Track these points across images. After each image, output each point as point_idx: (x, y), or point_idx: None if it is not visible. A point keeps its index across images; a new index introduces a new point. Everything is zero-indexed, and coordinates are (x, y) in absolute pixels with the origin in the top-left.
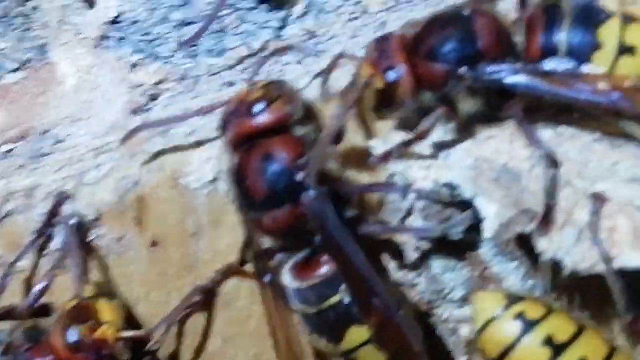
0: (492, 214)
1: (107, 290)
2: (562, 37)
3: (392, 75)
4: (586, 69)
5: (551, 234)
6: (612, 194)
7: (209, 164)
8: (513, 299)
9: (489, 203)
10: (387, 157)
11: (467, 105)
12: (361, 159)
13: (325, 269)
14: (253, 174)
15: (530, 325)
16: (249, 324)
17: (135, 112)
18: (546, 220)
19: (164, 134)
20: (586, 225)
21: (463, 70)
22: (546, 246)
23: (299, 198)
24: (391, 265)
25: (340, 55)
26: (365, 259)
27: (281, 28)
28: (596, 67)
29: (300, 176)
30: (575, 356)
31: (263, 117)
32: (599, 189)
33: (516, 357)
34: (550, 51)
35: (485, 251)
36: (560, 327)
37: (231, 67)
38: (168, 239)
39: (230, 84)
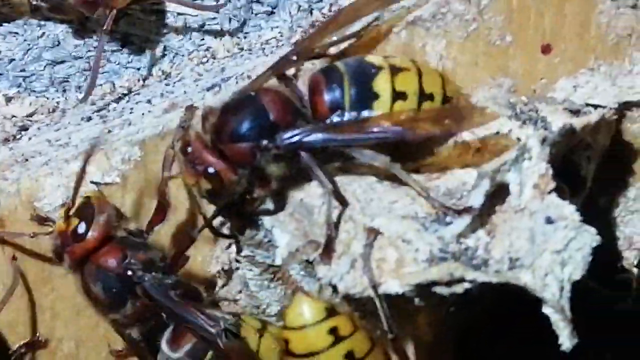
0: (284, 243)
1: None
2: (345, 93)
3: (211, 172)
4: (366, 113)
5: (329, 262)
6: (386, 228)
7: (59, 190)
8: (331, 312)
9: (282, 233)
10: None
11: (276, 170)
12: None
13: (189, 335)
14: (93, 288)
15: (339, 341)
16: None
17: (6, 141)
18: (327, 250)
19: (23, 163)
20: (359, 255)
21: (264, 142)
22: (325, 272)
23: (135, 291)
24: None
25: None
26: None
27: (140, 69)
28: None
29: (127, 273)
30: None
31: (87, 238)
32: (376, 224)
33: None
34: (335, 108)
35: (296, 271)
36: (360, 343)
37: (93, 103)
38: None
39: (89, 119)
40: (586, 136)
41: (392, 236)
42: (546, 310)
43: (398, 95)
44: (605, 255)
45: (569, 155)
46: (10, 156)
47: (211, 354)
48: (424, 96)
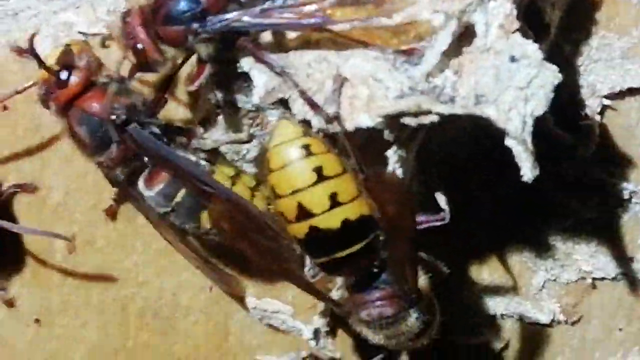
0: (261, 83)
1: None
2: None
3: (138, 48)
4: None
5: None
6: (360, 67)
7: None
8: (306, 133)
9: (260, 74)
10: None
11: (207, 50)
12: None
13: (162, 176)
14: (79, 131)
15: (309, 155)
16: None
17: None
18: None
19: (13, 16)
20: (331, 93)
21: (195, 25)
22: (299, 109)
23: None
24: None
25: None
26: (186, 159)
27: None
28: None
29: (112, 117)
30: (331, 186)
31: (70, 85)
32: (349, 64)
33: (290, 171)
34: None
35: (273, 116)
36: (329, 163)
37: None
38: (17, 104)
39: None
40: None
41: (363, 75)
42: (509, 142)
43: None
44: (570, 103)
45: (534, 1)
46: (1, 12)
47: (182, 193)
48: None
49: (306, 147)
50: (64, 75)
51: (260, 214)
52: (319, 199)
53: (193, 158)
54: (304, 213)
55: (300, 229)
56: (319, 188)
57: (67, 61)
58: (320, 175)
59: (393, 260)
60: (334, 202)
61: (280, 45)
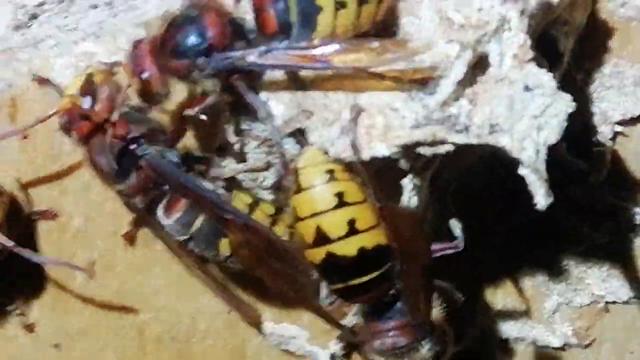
0: (279, 113)
1: None
2: (290, 8)
3: (144, 77)
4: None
5: (320, 129)
6: (375, 98)
7: (69, 70)
8: (332, 161)
9: (277, 104)
10: None
11: (212, 85)
12: None
13: (180, 204)
14: (99, 160)
15: (332, 179)
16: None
17: (17, 28)
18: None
19: (34, 46)
20: (348, 122)
21: (200, 61)
22: (316, 139)
23: (139, 164)
24: None
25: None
26: (207, 189)
27: None
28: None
29: (132, 147)
30: (351, 213)
31: (94, 112)
32: (367, 94)
33: (312, 193)
34: (282, 22)
35: (291, 145)
36: (351, 190)
37: None
38: (37, 133)
39: (95, 7)
40: (563, 12)
41: (380, 105)
42: (522, 171)
43: (340, 5)
44: (583, 131)
45: (547, 30)
46: (22, 41)
47: (200, 220)
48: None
49: (330, 172)
50: (86, 104)
51: (278, 239)
52: (337, 223)
53: (211, 186)
54: (321, 237)
55: (317, 255)
56: (338, 213)
57: (89, 90)
58: (341, 201)
59: (408, 289)
60: (352, 228)
61: (296, 76)
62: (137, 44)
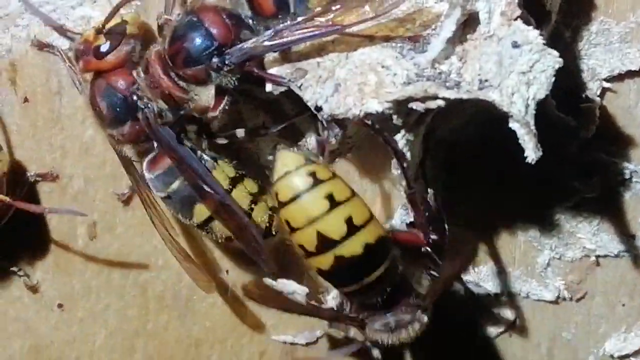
0: (274, 70)
1: None
2: None
3: (166, 94)
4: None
5: (314, 86)
6: (367, 56)
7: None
8: (309, 161)
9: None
10: None
11: (228, 81)
12: None
13: (165, 162)
14: (100, 101)
15: (317, 182)
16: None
17: None
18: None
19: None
20: (342, 79)
21: (215, 61)
22: (310, 95)
23: (136, 115)
24: None
25: None
26: (194, 156)
27: None
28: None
29: (133, 98)
30: (345, 211)
31: (106, 59)
32: (359, 53)
33: (302, 203)
34: (280, 2)
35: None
36: (338, 188)
37: None
38: (37, 96)
39: None
40: None
41: (372, 63)
42: (512, 125)
43: None
44: (572, 88)
45: None
46: (20, 6)
47: (178, 182)
48: None
49: (312, 174)
50: (104, 47)
51: (252, 228)
52: (336, 224)
53: (199, 152)
54: (324, 241)
55: (325, 261)
56: (333, 214)
57: (114, 38)
58: (333, 202)
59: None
60: (351, 225)
61: (286, 53)
62: (146, 67)
